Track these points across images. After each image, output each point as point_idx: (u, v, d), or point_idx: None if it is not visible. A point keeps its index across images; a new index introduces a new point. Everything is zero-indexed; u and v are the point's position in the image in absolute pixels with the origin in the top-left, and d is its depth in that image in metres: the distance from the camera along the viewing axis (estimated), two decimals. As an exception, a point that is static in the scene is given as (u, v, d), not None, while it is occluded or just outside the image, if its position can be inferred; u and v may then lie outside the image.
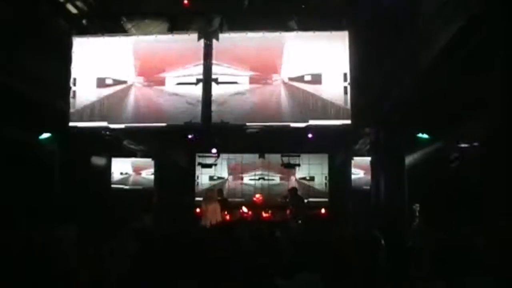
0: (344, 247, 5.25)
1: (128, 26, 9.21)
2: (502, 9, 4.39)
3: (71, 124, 8.57)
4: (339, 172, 14.36)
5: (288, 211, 11.66)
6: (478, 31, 4.83)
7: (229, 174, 15.41)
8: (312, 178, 15.06)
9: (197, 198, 14.11)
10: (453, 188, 6.82)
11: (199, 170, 15.10)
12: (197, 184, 15.29)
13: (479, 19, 4.71)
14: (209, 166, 14.33)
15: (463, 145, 6.48)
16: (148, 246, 4.55)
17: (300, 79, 8.30)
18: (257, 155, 15.11)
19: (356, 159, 13.15)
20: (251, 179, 15.36)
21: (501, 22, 4.41)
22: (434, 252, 5.31)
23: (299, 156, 13.69)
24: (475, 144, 5.74)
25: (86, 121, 8.63)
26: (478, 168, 5.49)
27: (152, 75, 8.59)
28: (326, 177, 15.04)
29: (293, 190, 12.41)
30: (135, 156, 14.19)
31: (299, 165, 13.87)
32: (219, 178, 15.33)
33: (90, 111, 8.64)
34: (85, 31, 8.86)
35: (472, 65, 5.26)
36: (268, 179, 15.25)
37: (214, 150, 13.32)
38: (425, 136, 8.73)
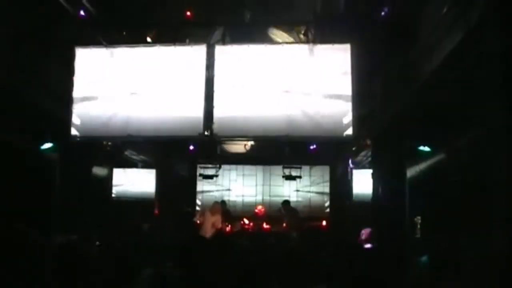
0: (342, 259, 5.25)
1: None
2: (500, 21, 4.42)
3: (73, 134, 8.61)
4: (340, 184, 14.34)
5: (284, 224, 11.66)
6: (477, 43, 4.86)
7: (231, 185, 15.43)
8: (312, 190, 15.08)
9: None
10: (455, 201, 6.79)
11: (200, 181, 15.11)
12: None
13: (477, 31, 4.75)
14: (210, 177, 14.34)
15: (464, 157, 6.47)
16: None
17: (302, 90, 8.33)
18: (259, 167, 15.15)
19: (357, 171, 13.13)
20: (252, 191, 15.38)
21: (499, 34, 4.45)
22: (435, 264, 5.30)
23: (300, 168, 13.69)
24: (477, 155, 5.73)
25: (88, 131, 8.66)
26: (479, 179, 5.48)
27: (154, 86, 8.63)
28: (327, 189, 15.05)
29: (286, 202, 12.41)
30: (136, 166, 14.21)
31: (300, 177, 13.87)
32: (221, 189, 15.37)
33: (92, 121, 8.67)
34: (88, 42, 8.91)
35: (473, 76, 5.28)
36: (270, 191, 15.27)
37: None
38: (426, 148, 8.71)
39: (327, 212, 14.59)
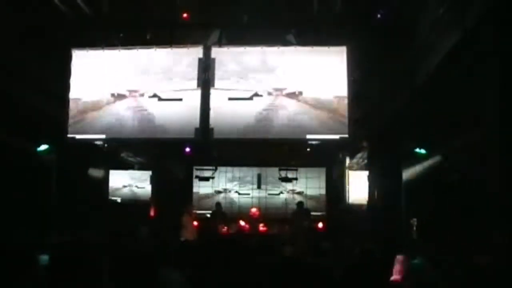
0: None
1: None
2: (495, 23, 4.44)
3: (69, 135, 8.58)
4: (336, 186, 14.35)
5: (288, 226, 11.66)
6: (473, 45, 4.88)
7: (227, 187, 15.43)
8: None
9: (199, 211, 14.07)
10: (451, 202, 6.82)
11: (196, 183, 15.09)
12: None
13: (473, 33, 4.77)
14: (206, 179, 14.32)
15: (460, 159, 6.50)
16: None
17: (298, 92, 8.34)
18: (254, 169, 15.15)
19: (354, 173, 13.14)
20: (248, 193, 15.36)
21: (494, 36, 4.47)
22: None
23: (296, 169, 13.69)
24: (473, 158, 5.76)
25: (84, 133, 8.63)
26: (476, 181, 5.50)
27: (150, 88, 8.61)
28: (323, 190, 15.05)
29: (299, 204, 12.36)
30: (132, 168, 14.18)
31: (296, 179, 13.86)
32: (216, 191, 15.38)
33: (89, 123, 8.64)
34: (84, 44, 8.88)
35: (469, 79, 5.30)
36: (266, 193, 15.27)
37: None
38: (422, 151, 8.74)
39: (323, 214, 14.58)
